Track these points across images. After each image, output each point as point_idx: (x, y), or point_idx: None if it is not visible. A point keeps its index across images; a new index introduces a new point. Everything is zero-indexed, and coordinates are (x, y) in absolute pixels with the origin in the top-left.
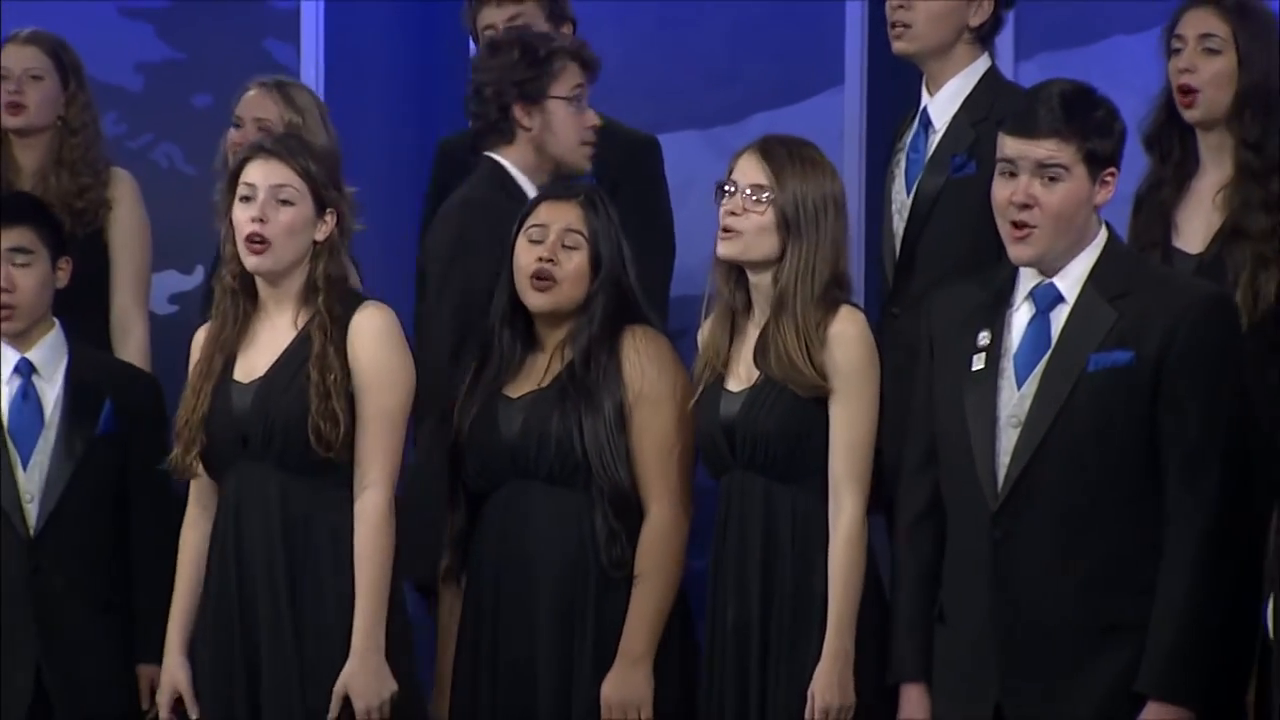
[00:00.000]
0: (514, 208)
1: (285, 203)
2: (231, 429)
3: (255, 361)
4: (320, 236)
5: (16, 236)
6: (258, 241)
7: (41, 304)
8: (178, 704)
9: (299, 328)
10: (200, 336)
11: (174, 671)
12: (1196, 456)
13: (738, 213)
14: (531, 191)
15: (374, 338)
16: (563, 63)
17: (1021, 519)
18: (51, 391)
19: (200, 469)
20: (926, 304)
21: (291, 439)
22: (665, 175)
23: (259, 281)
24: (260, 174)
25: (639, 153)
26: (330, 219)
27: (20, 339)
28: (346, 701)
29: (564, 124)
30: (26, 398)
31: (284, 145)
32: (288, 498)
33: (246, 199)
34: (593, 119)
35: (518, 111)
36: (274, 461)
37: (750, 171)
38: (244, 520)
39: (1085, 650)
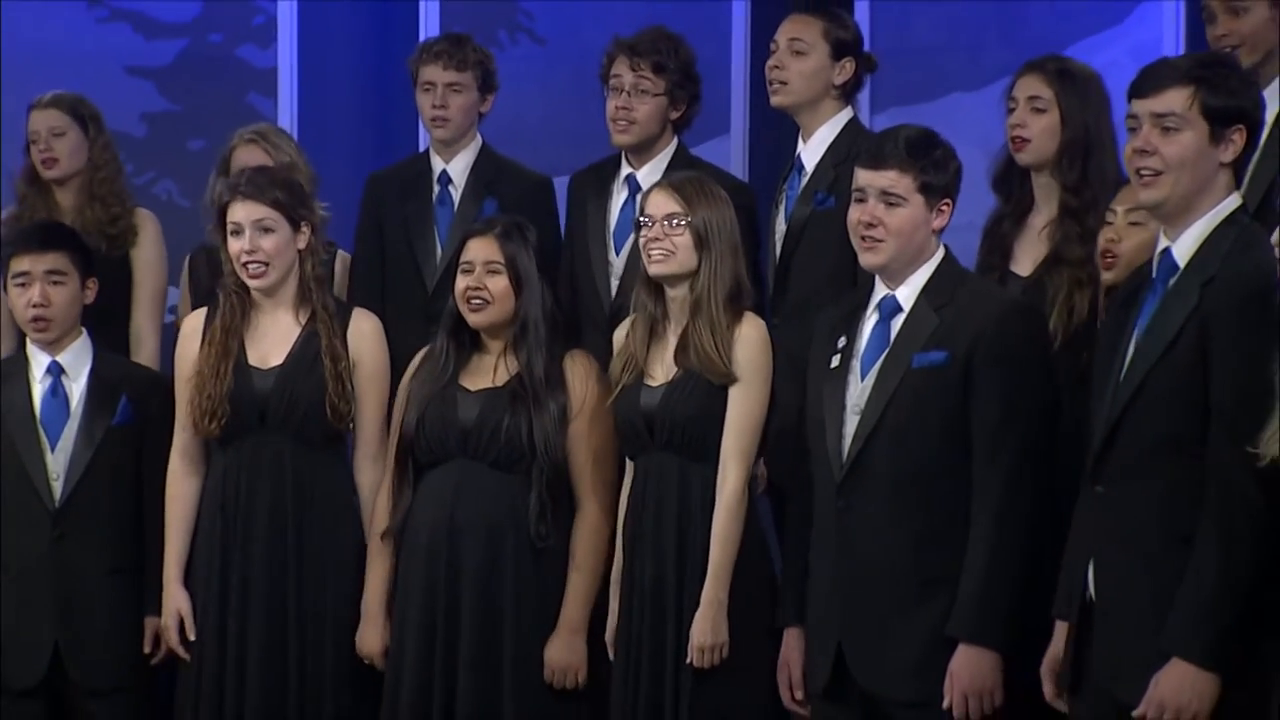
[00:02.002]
0: None
1: (268, 230)
2: (251, 407)
3: (267, 351)
4: (301, 246)
5: (52, 260)
6: (257, 266)
7: (71, 317)
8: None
9: (302, 323)
10: (190, 323)
11: (177, 600)
12: (996, 438)
13: (660, 239)
14: None
15: (371, 338)
16: None
17: (859, 491)
18: (77, 389)
19: (216, 433)
20: (811, 324)
21: (310, 415)
22: (558, 210)
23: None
24: (243, 213)
25: (535, 192)
26: (305, 230)
27: (53, 345)
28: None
29: None
30: (55, 394)
31: (254, 184)
32: (297, 463)
33: (236, 233)
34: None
35: None
36: (289, 434)
37: (663, 204)
38: (254, 481)
39: (910, 601)
